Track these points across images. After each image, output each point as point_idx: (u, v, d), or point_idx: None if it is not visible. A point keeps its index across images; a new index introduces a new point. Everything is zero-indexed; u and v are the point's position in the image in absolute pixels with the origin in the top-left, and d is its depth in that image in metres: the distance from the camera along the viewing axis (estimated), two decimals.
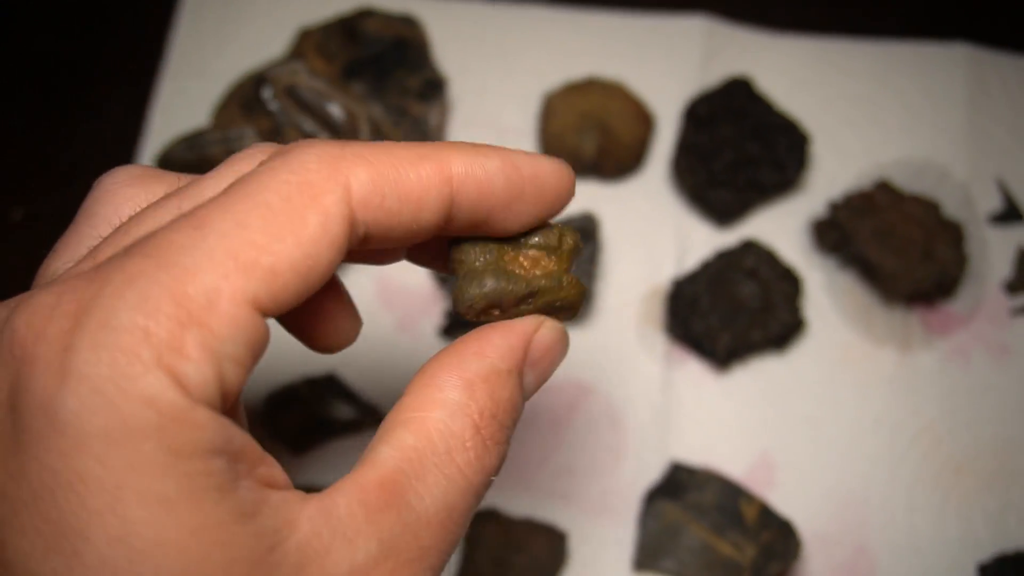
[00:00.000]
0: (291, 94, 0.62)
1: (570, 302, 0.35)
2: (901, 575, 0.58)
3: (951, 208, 0.65)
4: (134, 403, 0.25)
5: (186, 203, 0.30)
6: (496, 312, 0.33)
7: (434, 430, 0.30)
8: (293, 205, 0.28)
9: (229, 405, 0.28)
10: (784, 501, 0.59)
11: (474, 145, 0.32)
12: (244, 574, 0.26)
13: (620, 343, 0.63)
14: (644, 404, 0.61)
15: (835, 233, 0.63)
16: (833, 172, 0.67)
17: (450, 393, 0.31)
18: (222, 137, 0.59)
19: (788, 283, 0.61)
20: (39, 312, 0.26)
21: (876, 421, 0.61)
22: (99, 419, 0.24)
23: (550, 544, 0.57)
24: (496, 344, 0.33)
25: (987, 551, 0.57)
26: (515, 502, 0.59)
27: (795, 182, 0.64)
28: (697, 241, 0.65)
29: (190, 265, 0.26)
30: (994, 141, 0.67)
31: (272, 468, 0.28)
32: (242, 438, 0.27)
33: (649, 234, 0.65)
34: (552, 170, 0.33)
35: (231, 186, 0.28)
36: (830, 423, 0.61)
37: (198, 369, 0.26)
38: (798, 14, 0.72)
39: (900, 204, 0.63)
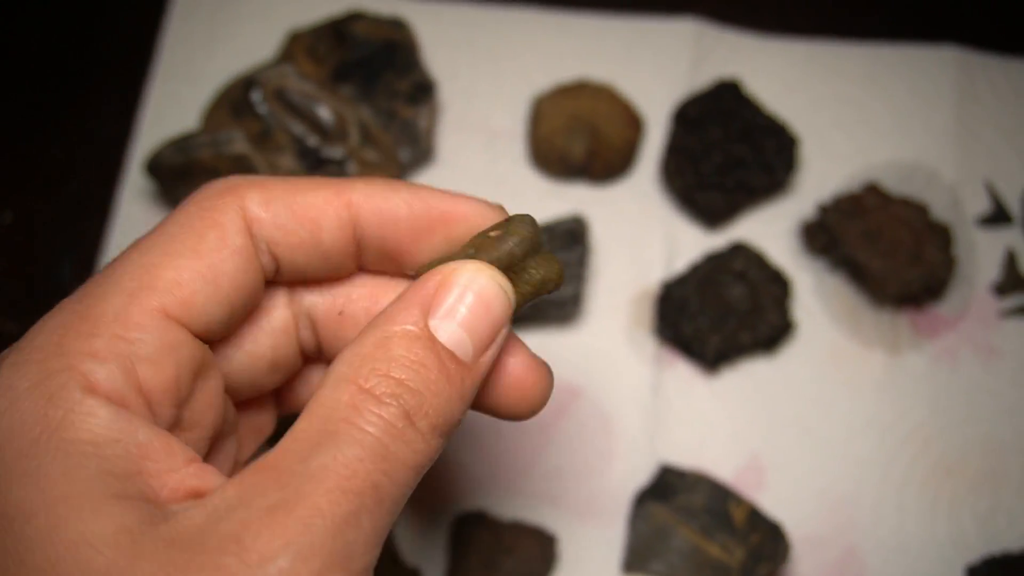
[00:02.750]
0: (280, 97, 0.62)
1: (543, 290, 0.34)
2: None
3: (939, 210, 0.65)
4: (36, 399, 0.28)
5: None
6: None
7: (317, 405, 0.30)
8: (193, 227, 0.31)
9: (166, 406, 0.30)
10: (773, 503, 0.59)
11: (385, 180, 0.33)
12: (112, 534, 0.27)
13: (609, 345, 0.63)
14: (633, 406, 0.61)
15: (824, 235, 0.63)
16: (822, 174, 0.67)
17: (339, 367, 0.31)
18: (211, 140, 0.59)
19: (777, 285, 0.61)
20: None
21: (865, 423, 0.61)
22: (6, 417, 0.28)
23: (539, 546, 0.57)
24: (389, 310, 0.32)
25: (976, 552, 0.58)
26: (504, 505, 0.59)
27: (784, 184, 0.64)
28: (686, 243, 0.65)
29: (100, 294, 0.30)
30: (983, 143, 0.67)
31: (196, 478, 0.29)
32: (151, 437, 0.29)
33: (638, 236, 0.65)
34: (474, 210, 0.34)
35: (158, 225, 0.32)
36: (819, 425, 0.61)
37: (104, 366, 0.28)
38: (787, 17, 0.72)
39: (889, 206, 0.63)
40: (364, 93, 0.65)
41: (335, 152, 0.62)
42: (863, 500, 0.59)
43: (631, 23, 0.71)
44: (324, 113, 0.62)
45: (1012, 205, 0.65)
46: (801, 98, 0.69)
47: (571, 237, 0.61)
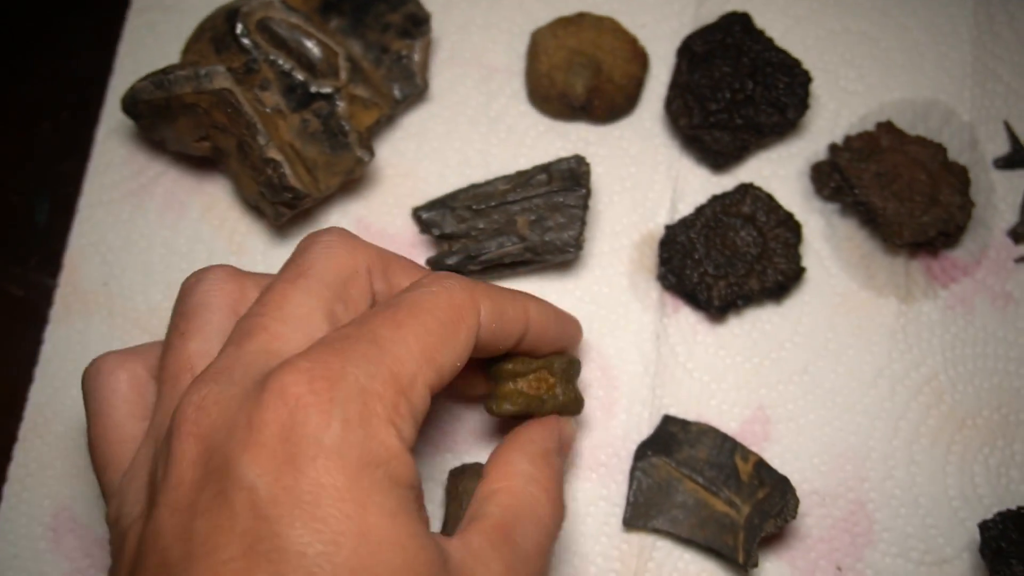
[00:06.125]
0: (265, 29, 0.59)
1: (572, 409, 0.51)
2: (900, 532, 0.56)
3: (956, 151, 0.62)
4: (373, 442, 0.36)
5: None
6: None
7: (520, 492, 0.44)
8: (452, 321, 0.41)
9: None
10: (780, 456, 0.57)
11: (542, 301, 0.49)
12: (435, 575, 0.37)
13: (611, 292, 0.60)
14: (636, 355, 0.59)
15: (835, 177, 0.60)
16: (833, 114, 0.64)
17: (522, 466, 0.45)
18: (192, 75, 0.56)
19: (787, 229, 0.59)
20: (304, 374, 0.37)
21: (876, 373, 0.59)
22: (353, 451, 0.36)
23: None
24: (543, 434, 0.48)
25: (988, 507, 0.56)
26: None
27: (795, 124, 0.61)
28: (692, 186, 0.62)
29: (400, 355, 0.39)
30: (1001, 82, 0.64)
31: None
32: (420, 482, 0.39)
33: (642, 178, 0.62)
34: (578, 326, 0.54)
35: (407, 299, 0.41)
36: (828, 376, 0.59)
37: (407, 426, 0.38)
38: None
39: (904, 146, 0.60)
40: (354, 26, 0.62)
41: (324, 87, 0.59)
42: (873, 453, 0.57)
43: None
44: (312, 48, 0.59)
45: None
46: (811, 34, 0.66)
47: (571, 177, 0.58)
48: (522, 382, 0.49)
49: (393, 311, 0.40)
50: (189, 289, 0.45)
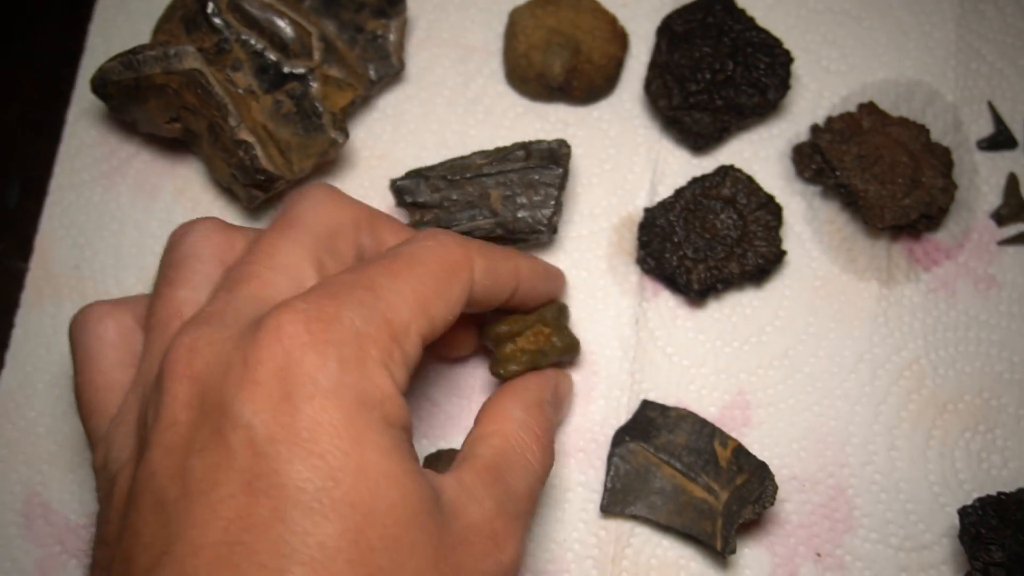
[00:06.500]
0: (237, 8, 0.57)
1: (572, 352, 0.54)
2: (880, 517, 0.55)
3: (939, 133, 0.61)
4: (368, 383, 0.37)
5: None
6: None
7: (511, 436, 0.45)
8: (447, 274, 0.43)
9: None
10: (760, 442, 0.56)
11: (531, 256, 0.53)
12: (429, 511, 0.37)
13: (590, 275, 0.60)
14: (614, 340, 0.58)
15: (816, 159, 0.59)
16: (815, 94, 0.63)
17: (515, 413, 0.47)
18: (161, 55, 0.55)
19: (767, 212, 0.58)
20: (300, 315, 0.37)
21: (857, 358, 0.58)
22: (349, 391, 0.36)
23: None
24: (538, 384, 0.50)
25: (969, 493, 0.55)
26: None
27: (776, 105, 0.60)
28: (672, 168, 0.61)
29: (395, 302, 0.40)
30: (986, 62, 0.64)
31: None
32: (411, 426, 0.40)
33: (621, 160, 0.62)
34: (563, 278, 0.56)
35: (403, 251, 0.43)
36: (809, 360, 0.58)
37: (400, 371, 0.39)
38: None
39: (886, 127, 0.59)
40: (328, 6, 0.60)
41: (297, 68, 0.58)
42: (853, 439, 0.57)
43: None
44: (284, 27, 0.58)
45: (1016, 128, 0.62)
46: (792, 13, 0.65)
47: (550, 157, 0.57)
48: (521, 340, 0.51)
49: (390, 261, 0.42)
50: (177, 240, 0.46)
